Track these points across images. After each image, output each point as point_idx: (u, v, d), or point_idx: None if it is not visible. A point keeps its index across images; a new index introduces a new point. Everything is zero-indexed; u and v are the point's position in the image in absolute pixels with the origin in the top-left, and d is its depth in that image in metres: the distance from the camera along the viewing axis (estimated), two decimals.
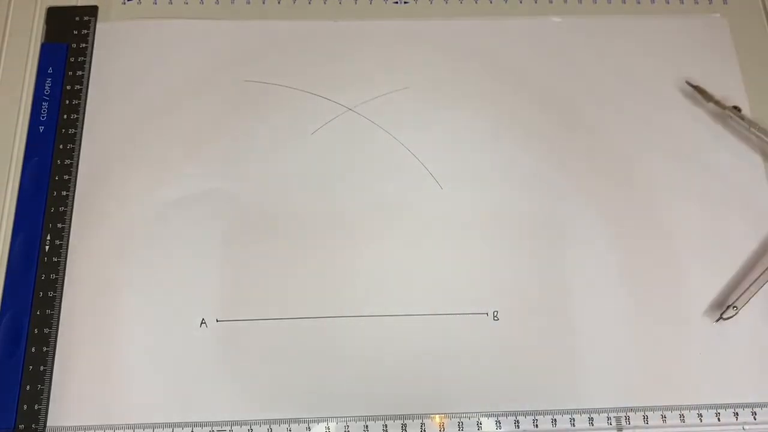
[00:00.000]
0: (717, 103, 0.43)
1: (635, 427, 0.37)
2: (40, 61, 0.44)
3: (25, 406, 0.37)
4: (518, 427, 0.37)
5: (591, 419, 0.37)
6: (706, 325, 0.39)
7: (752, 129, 0.42)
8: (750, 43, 0.46)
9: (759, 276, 0.39)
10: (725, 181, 0.43)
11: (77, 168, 0.41)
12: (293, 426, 0.37)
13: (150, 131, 0.42)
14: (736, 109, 0.42)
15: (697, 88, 0.43)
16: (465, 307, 0.39)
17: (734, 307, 0.39)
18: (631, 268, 0.41)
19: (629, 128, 0.44)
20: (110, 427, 0.36)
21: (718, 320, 0.39)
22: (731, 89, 0.45)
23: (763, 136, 0.42)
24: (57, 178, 0.41)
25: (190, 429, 0.36)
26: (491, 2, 0.47)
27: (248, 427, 0.37)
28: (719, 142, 0.43)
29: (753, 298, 0.39)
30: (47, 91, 0.43)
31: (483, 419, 0.37)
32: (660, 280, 0.40)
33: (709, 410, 0.38)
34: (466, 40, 0.46)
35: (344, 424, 0.37)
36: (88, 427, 0.36)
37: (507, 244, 0.41)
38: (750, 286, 0.39)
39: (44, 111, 0.42)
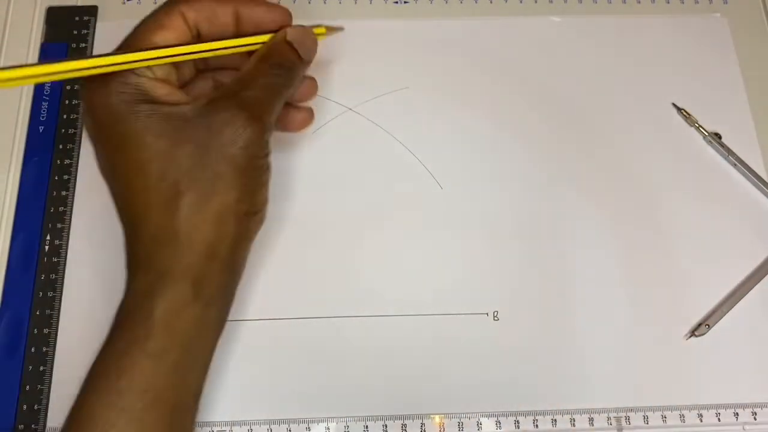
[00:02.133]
0: (699, 128, 0.43)
1: (635, 427, 0.37)
2: (40, 61, 0.44)
3: (24, 406, 0.37)
4: (518, 427, 0.37)
5: (591, 419, 0.37)
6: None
7: (730, 157, 0.42)
8: (750, 43, 0.46)
9: (731, 295, 0.40)
10: (726, 181, 0.43)
11: (77, 168, 0.41)
12: (293, 426, 0.37)
13: None
14: (717, 135, 0.42)
15: (681, 111, 0.44)
16: (465, 307, 0.39)
17: (706, 325, 0.39)
18: (632, 267, 0.41)
19: (629, 128, 0.44)
20: None
21: (689, 337, 0.39)
22: (731, 89, 0.45)
23: (740, 165, 0.42)
24: (57, 178, 0.41)
25: None
26: (491, 2, 0.47)
27: (248, 427, 0.37)
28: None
29: (751, 300, 0.40)
30: (47, 91, 0.43)
31: (483, 419, 0.37)
32: (660, 279, 0.40)
33: (709, 410, 0.38)
34: (466, 40, 0.46)
35: (344, 424, 0.37)
36: None
37: (507, 244, 0.41)
38: (722, 305, 0.39)
39: (44, 111, 0.42)
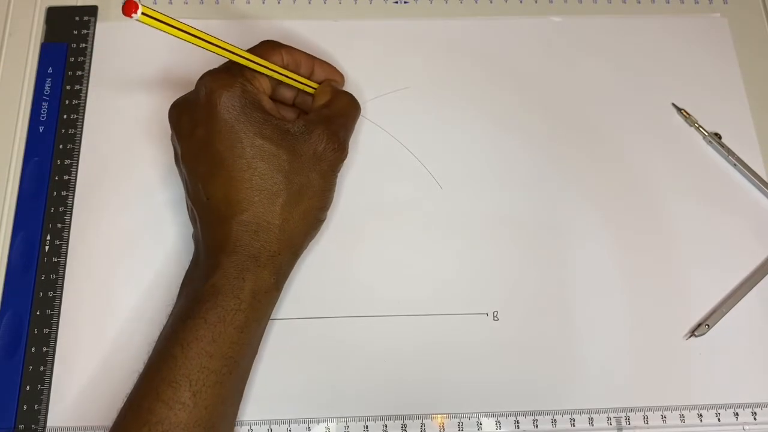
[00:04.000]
0: (699, 128, 0.43)
1: (635, 427, 0.37)
2: (40, 61, 0.44)
3: (25, 406, 0.37)
4: (518, 427, 0.37)
5: (591, 419, 0.37)
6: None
7: (730, 157, 0.42)
8: (750, 43, 0.46)
9: (731, 295, 0.40)
10: (726, 181, 0.43)
11: (77, 168, 0.41)
12: (293, 426, 0.37)
13: (150, 131, 0.42)
14: (717, 135, 0.43)
15: (681, 111, 0.44)
16: (465, 307, 0.39)
17: (706, 325, 0.39)
18: (631, 267, 0.41)
19: (629, 128, 0.44)
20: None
21: (689, 337, 0.39)
22: (731, 89, 0.45)
23: (740, 165, 0.42)
24: (57, 178, 0.41)
25: None
26: (491, 2, 0.47)
27: (248, 427, 0.37)
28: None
29: (751, 300, 0.40)
30: (47, 91, 0.43)
31: (483, 419, 0.37)
32: (660, 279, 0.40)
33: (709, 410, 0.38)
34: (466, 40, 0.46)
35: (344, 424, 0.37)
36: (88, 428, 0.37)
37: (507, 244, 0.41)
38: (722, 305, 0.39)
39: (44, 111, 0.42)
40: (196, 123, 0.35)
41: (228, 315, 0.32)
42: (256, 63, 0.35)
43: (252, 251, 0.33)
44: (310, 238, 0.38)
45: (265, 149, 0.34)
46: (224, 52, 0.34)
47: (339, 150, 0.36)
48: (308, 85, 0.39)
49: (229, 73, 0.35)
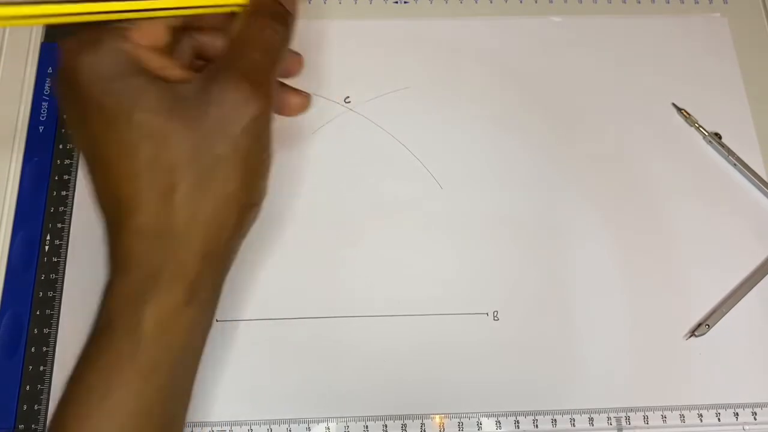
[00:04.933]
0: (699, 128, 0.43)
1: (635, 427, 0.37)
2: (40, 61, 0.44)
3: (25, 406, 0.37)
4: (518, 427, 0.37)
5: (591, 419, 0.37)
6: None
7: (730, 157, 0.42)
8: (750, 43, 0.46)
9: (731, 295, 0.40)
10: (726, 181, 0.43)
11: (77, 168, 0.41)
12: (293, 426, 0.37)
13: None
14: (717, 136, 0.42)
15: (681, 111, 0.44)
16: (465, 307, 0.39)
17: (706, 325, 0.39)
18: (632, 267, 0.41)
19: (629, 128, 0.44)
20: None
21: (689, 337, 0.39)
22: (731, 89, 0.45)
23: (740, 165, 0.42)
24: (57, 178, 0.41)
25: (190, 429, 0.36)
26: (491, 2, 0.47)
27: (248, 427, 0.37)
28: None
29: (751, 300, 0.40)
30: (47, 91, 0.43)
31: (483, 419, 0.37)
32: (660, 279, 0.40)
33: (709, 410, 0.38)
34: (466, 40, 0.46)
35: (344, 424, 0.37)
36: None
37: (507, 244, 0.41)
38: (722, 305, 0.39)
39: (44, 111, 0.42)
40: (61, 103, 0.27)
41: (125, 357, 0.24)
42: (136, 11, 0.26)
43: (151, 268, 0.26)
44: (241, 232, 0.28)
45: (149, 127, 0.25)
46: (85, 17, 0.25)
47: (254, 99, 0.26)
48: (228, 6, 0.28)
49: (94, 28, 0.26)
